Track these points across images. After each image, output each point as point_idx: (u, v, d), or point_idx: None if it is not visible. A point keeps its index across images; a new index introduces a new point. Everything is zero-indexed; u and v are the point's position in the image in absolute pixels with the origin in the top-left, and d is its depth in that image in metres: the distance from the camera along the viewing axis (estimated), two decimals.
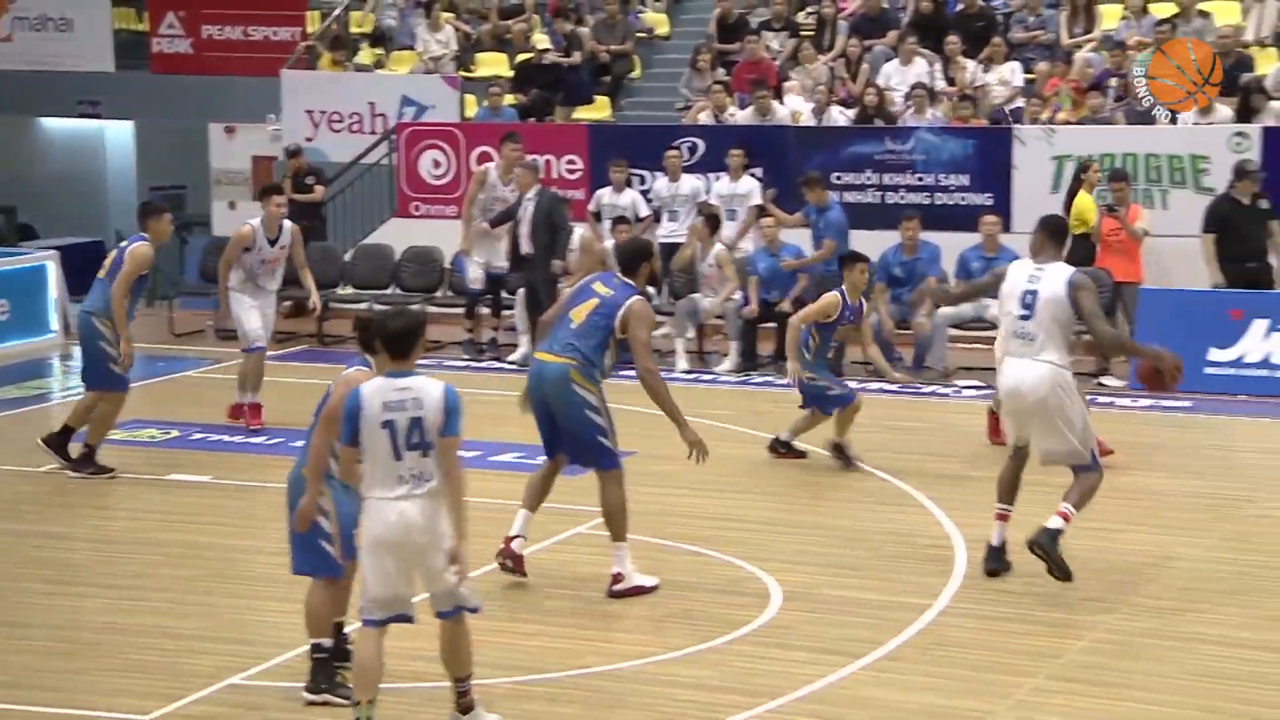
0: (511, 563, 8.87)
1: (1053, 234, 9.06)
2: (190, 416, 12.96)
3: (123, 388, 11.28)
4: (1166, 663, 7.67)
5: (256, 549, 9.56)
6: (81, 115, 22.73)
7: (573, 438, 8.65)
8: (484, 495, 10.56)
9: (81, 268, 17.69)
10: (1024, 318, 8.68)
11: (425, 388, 6.60)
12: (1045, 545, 8.46)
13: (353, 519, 6.95)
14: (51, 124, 24.32)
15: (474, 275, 15.74)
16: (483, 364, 15.66)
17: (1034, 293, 8.70)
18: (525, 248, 15.09)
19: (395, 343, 6.66)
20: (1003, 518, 8.99)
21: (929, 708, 7.16)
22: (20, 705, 7.22)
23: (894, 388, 14.21)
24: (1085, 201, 14.99)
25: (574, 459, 8.82)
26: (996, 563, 8.95)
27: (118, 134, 24.23)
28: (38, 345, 16.33)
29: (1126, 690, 7.33)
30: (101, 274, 11.32)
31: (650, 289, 9.51)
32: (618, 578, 8.70)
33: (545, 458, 8.91)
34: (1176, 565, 9.19)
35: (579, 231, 15.79)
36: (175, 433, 12.53)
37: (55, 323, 16.87)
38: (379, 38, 20.83)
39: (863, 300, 11.76)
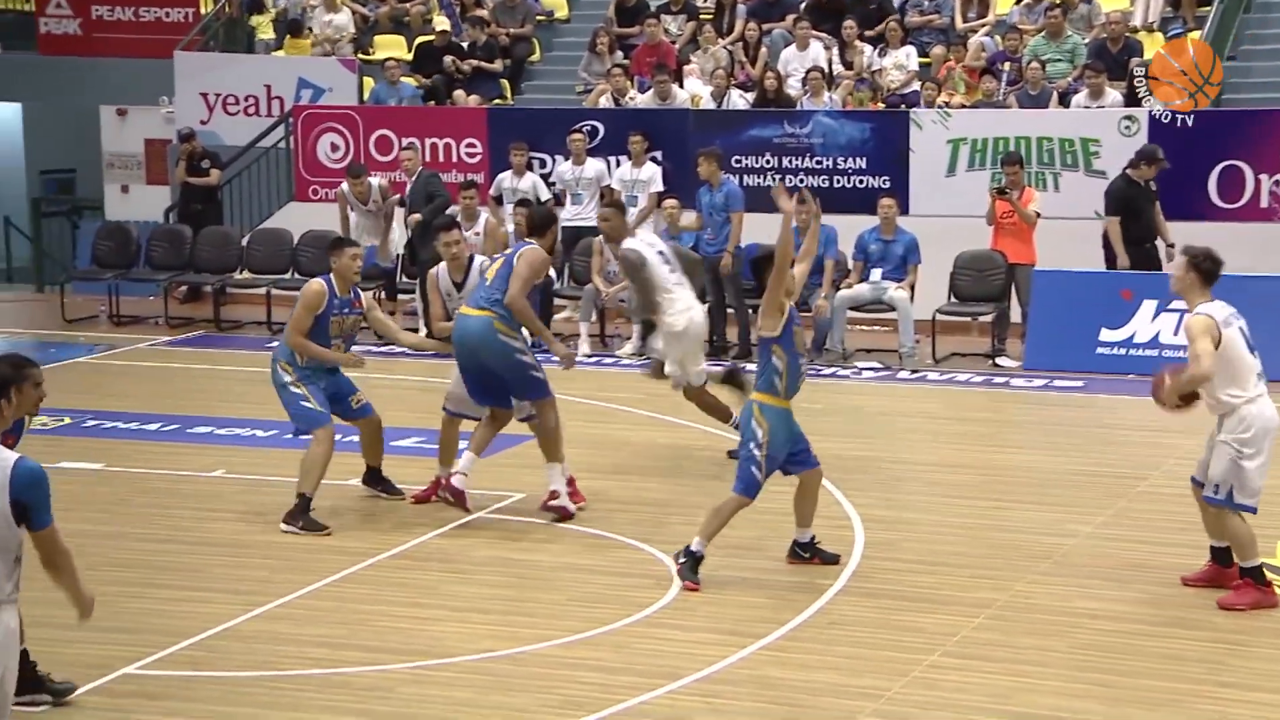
0: (452, 496, 9.61)
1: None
2: (82, 403, 12.77)
3: (324, 420, 9.75)
4: (1055, 638, 7.80)
5: (145, 536, 9.52)
6: None
7: (507, 378, 9.51)
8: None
9: None
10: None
11: None
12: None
13: None
14: None
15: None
16: (382, 348, 15.58)
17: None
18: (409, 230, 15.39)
19: None
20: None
21: (828, 686, 7.22)
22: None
23: None
24: None
25: (513, 396, 9.63)
26: None
27: (4, 117, 23.76)
28: None
29: (1017, 665, 7.44)
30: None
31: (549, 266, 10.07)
32: (554, 494, 9.59)
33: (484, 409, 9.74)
34: (1067, 542, 9.34)
35: (484, 216, 15.81)
36: (67, 419, 12.34)
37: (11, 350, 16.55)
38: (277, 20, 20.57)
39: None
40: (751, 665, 7.48)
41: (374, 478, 10.30)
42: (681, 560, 8.53)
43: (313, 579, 8.66)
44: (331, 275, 9.86)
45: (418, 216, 15.44)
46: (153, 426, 12.15)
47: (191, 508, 9.98)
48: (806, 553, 8.86)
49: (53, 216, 23.03)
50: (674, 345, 10.82)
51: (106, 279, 17.25)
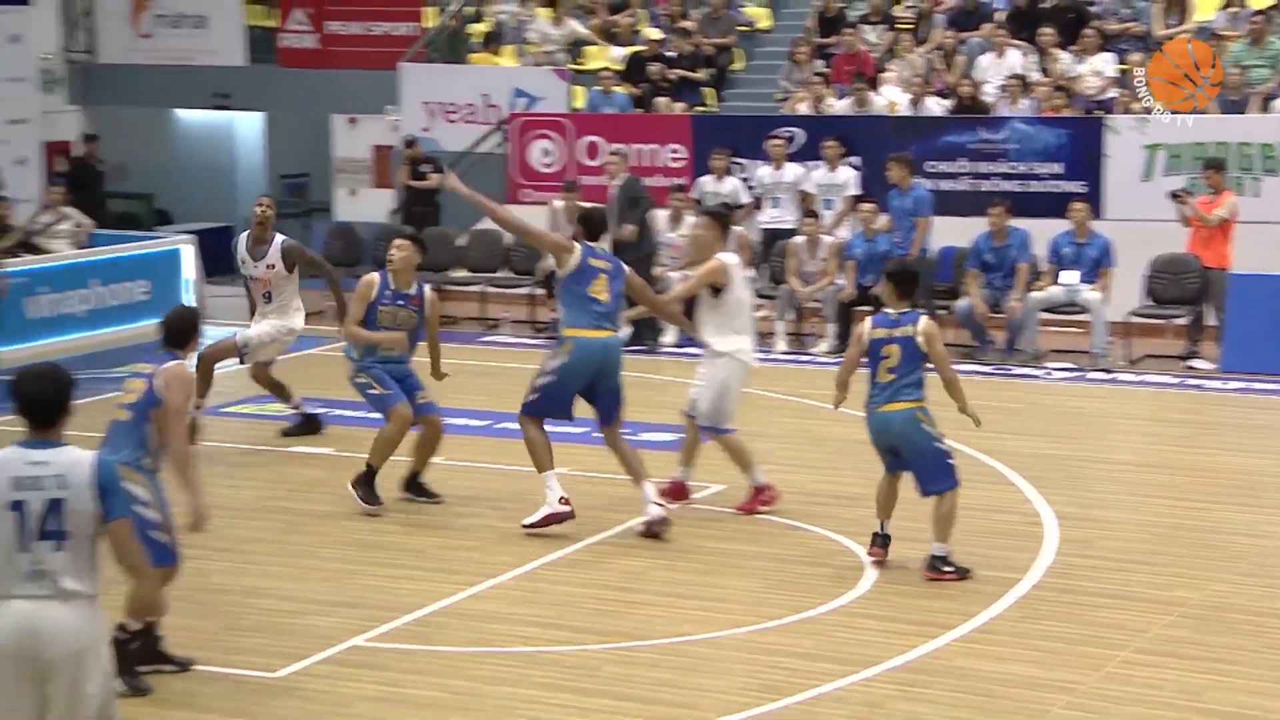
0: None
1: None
2: (313, 392, 13.40)
3: (394, 401, 10.23)
4: (1249, 637, 7.85)
5: (373, 516, 9.99)
6: (215, 107, 23.42)
7: (617, 395, 9.65)
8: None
9: (214, 251, 18.41)
10: None
11: (73, 463, 5.28)
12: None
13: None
14: (187, 116, 25.01)
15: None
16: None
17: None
18: (614, 232, 15.74)
19: (35, 411, 5.31)
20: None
21: (1021, 678, 7.35)
22: (152, 664, 7.43)
23: (987, 368, 14.42)
24: None
25: (613, 414, 9.67)
26: None
27: (247, 125, 24.90)
28: None
29: (1210, 663, 7.51)
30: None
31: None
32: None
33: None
34: (1265, 544, 9.35)
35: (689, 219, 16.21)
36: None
37: (190, 302, 17.62)
38: (493, 35, 21.25)
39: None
40: (945, 656, 7.63)
41: (414, 485, 10.28)
42: (947, 570, 8.74)
43: (524, 561, 9.03)
44: (388, 269, 10.28)
45: (632, 228, 15.86)
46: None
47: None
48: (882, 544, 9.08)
49: (287, 218, 24.04)
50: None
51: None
